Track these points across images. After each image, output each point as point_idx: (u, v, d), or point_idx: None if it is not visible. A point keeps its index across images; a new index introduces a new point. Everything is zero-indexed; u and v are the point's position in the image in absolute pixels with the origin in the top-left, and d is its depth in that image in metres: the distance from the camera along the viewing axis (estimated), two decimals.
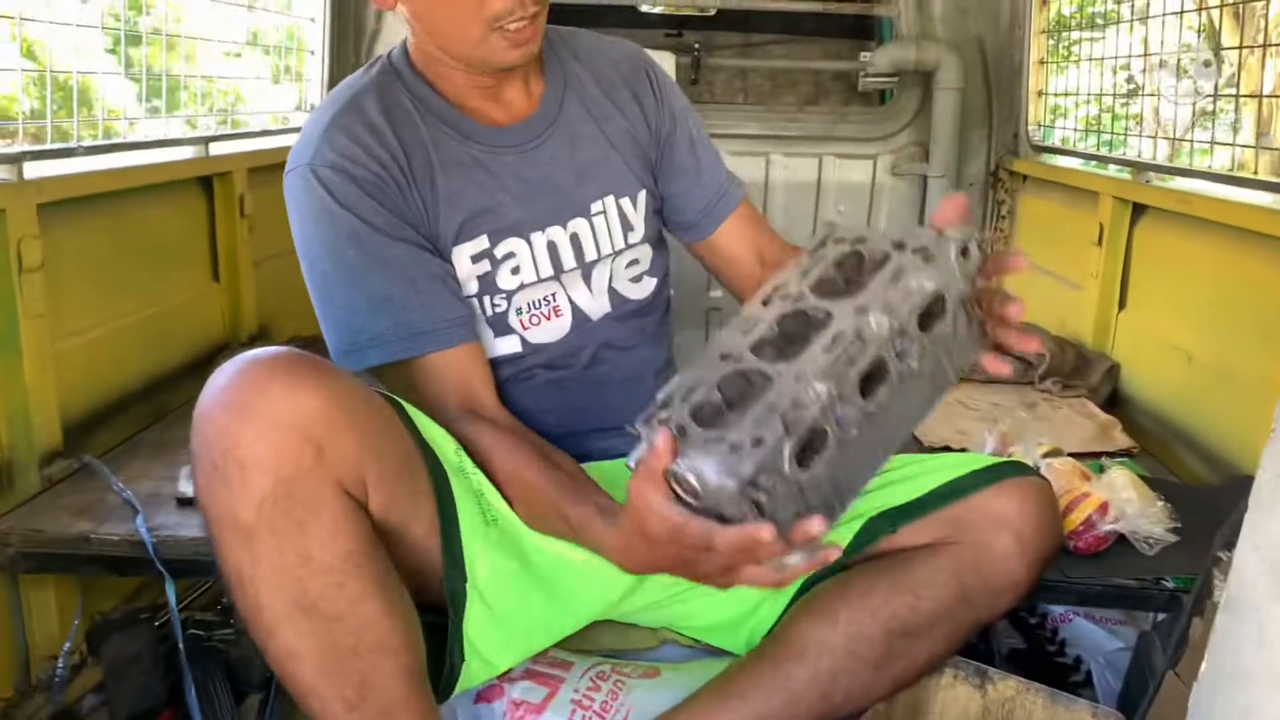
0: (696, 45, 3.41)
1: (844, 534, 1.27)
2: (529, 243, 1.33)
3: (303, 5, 2.81)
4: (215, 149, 2.28)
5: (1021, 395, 2.25)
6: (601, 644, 1.38)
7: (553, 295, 1.36)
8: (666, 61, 3.21)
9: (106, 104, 2.19)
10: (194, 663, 1.52)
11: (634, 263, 1.42)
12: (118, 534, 1.47)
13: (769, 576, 0.91)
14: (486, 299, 1.32)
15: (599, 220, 1.38)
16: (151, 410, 2.02)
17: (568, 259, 1.36)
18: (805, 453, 0.86)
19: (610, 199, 1.39)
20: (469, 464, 1.19)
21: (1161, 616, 1.43)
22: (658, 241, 1.47)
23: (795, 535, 0.85)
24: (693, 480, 0.87)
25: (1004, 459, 1.33)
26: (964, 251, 0.94)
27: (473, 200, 1.30)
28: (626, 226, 1.41)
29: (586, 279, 1.38)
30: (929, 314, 0.92)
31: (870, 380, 0.89)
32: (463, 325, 1.26)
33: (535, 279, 1.34)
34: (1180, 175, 2.17)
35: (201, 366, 2.21)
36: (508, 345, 1.35)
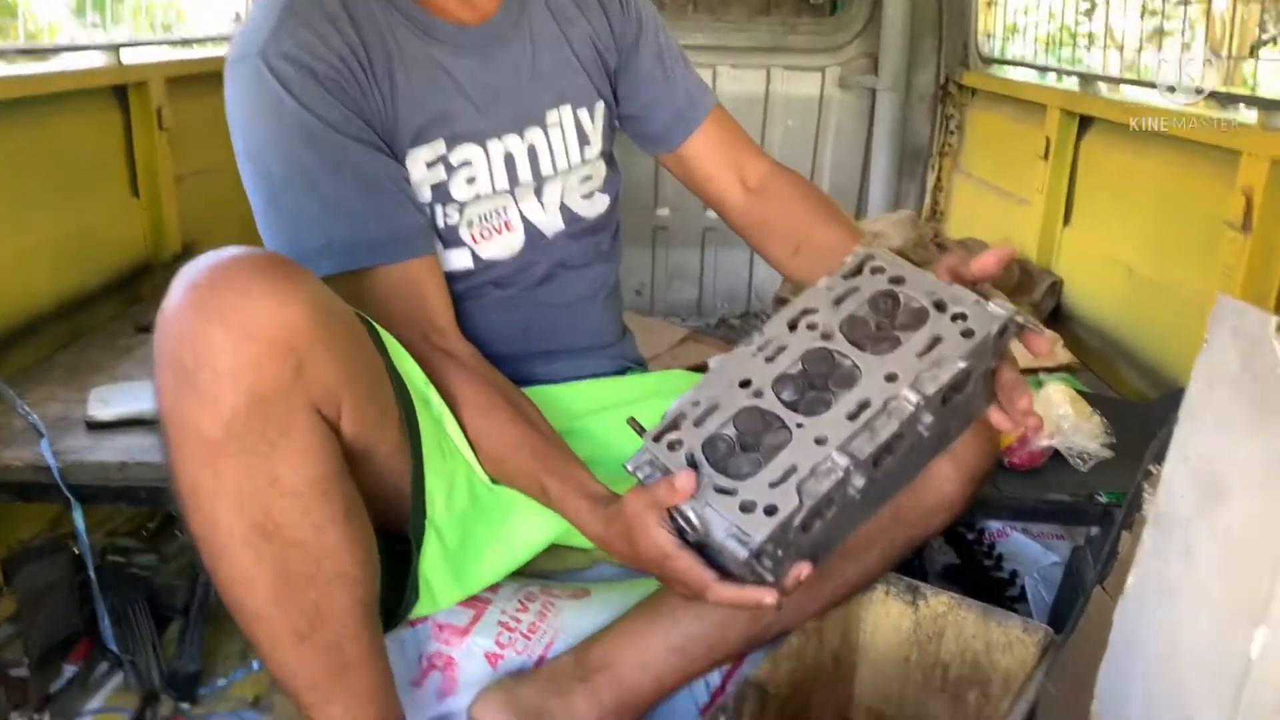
0: None
1: None
2: (486, 151, 1.27)
3: None
4: (129, 56, 2.16)
5: None
6: (535, 565, 1.35)
7: (504, 209, 1.30)
8: None
9: (32, 16, 2.06)
10: (113, 590, 1.48)
11: (588, 179, 1.37)
12: (21, 459, 1.40)
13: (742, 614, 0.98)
14: (439, 208, 1.25)
15: (555, 132, 1.32)
16: (68, 331, 1.93)
17: (524, 172, 1.30)
18: (810, 517, 0.88)
19: (567, 109, 1.33)
20: (433, 393, 1.14)
21: (1095, 531, 1.43)
22: (611, 158, 1.42)
23: (786, 583, 0.88)
24: (696, 523, 0.88)
25: None
26: (1002, 331, 0.93)
27: (432, 102, 1.22)
28: (583, 140, 1.35)
29: (539, 194, 1.32)
30: (954, 388, 0.92)
31: (884, 449, 0.89)
32: (422, 236, 1.19)
33: (490, 190, 1.28)
34: (1127, 85, 2.13)
35: (122, 286, 2.13)
36: (459, 260, 1.28)
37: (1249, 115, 1.69)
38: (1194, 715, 0.82)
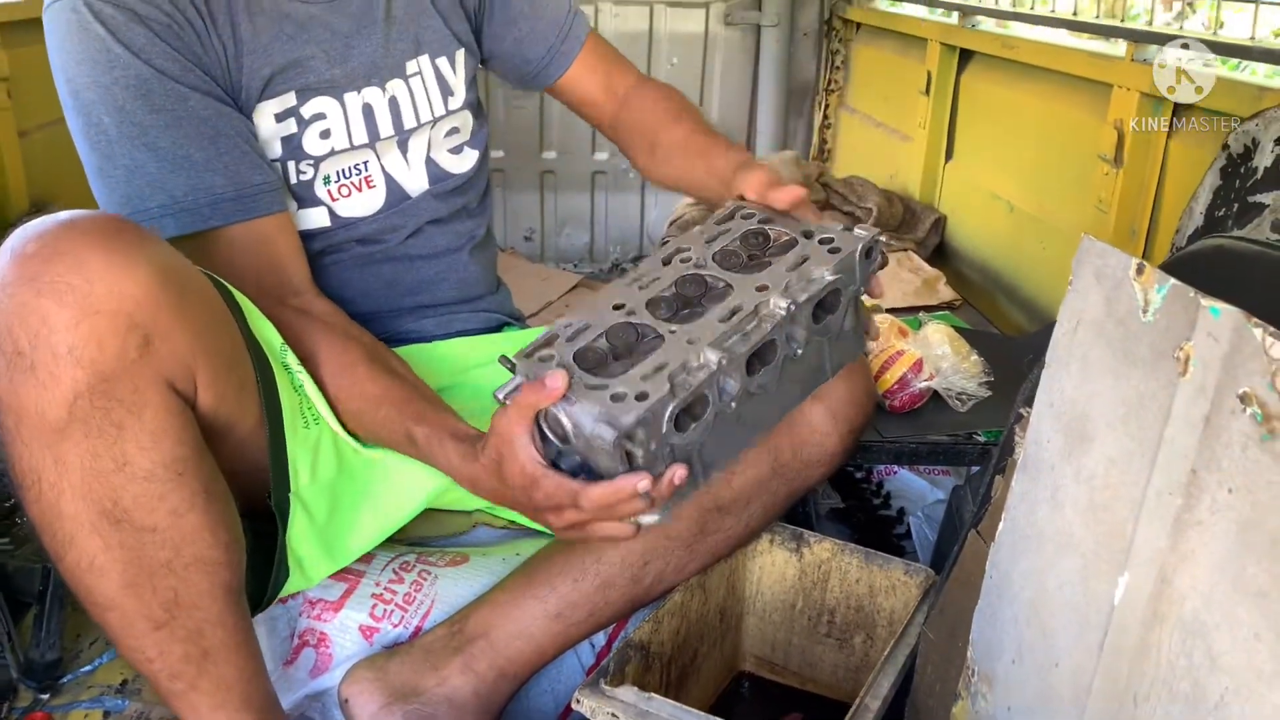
0: None
1: None
2: (342, 104, 1.20)
3: None
4: None
5: None
6: (411, 531, 1.31)
7: (364, 163, 1.23)
8: None
9: None
10: None
11: (454, 131, 1.31)
12: None
13: (622, 530, 0.90)
14: (291, 164, 1.18)
15: (415, 82, 1.26)
16: None
17: (384, 125, 1.23)
18: (684, 416, 0.86)
19: (425, 59, 1.27)
20: (292, 358, 1.07)
21: (975, 470, 1.44)
22: (478, 109, 1.35)
23: (661, 487, 0.85)
24: (566, 423, 0.86)
25: None
26: (868, 252, 0.97)
27: (279, 52, 1.14)
28: (445, 90, 1.29)
29: (403, 148, 1.26)
30: (823, 306, 0.94)
31: (757, 359, 0.90)
32: (272, 192, 1.11)
33: (348, 145, 1.21)
34: (1003, 18, 2.13)
35: None
36: (315, 218, 1.22)
37: (1118, 48, 1.69)
38: (1061, 660, 0.82)
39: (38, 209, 2.17)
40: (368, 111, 1.22)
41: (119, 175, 1.05)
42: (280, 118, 1.16)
